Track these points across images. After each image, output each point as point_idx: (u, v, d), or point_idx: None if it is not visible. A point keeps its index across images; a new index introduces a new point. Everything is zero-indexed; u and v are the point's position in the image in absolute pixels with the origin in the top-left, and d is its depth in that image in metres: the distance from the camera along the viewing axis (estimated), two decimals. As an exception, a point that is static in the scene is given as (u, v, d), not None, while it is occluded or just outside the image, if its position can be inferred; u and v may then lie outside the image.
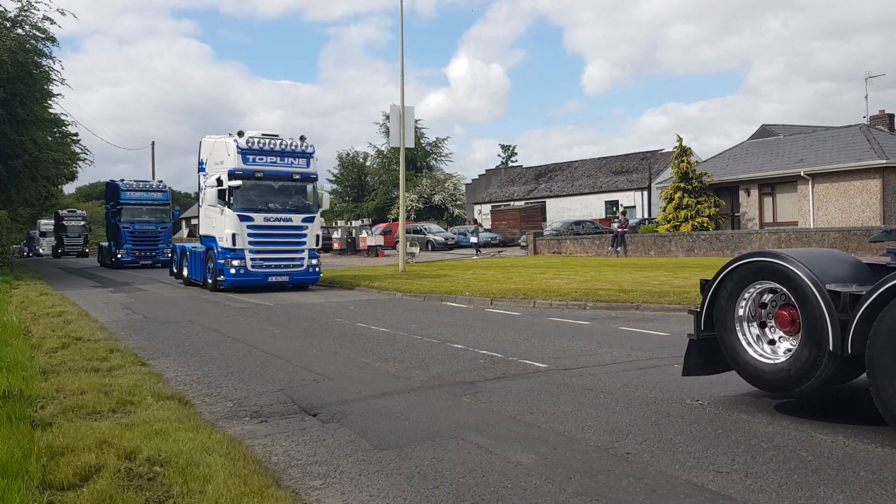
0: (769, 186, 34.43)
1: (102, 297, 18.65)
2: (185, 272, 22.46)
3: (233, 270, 18.41)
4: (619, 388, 6.95)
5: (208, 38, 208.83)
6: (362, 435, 5.55)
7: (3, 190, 29.46)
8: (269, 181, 18.96)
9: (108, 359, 8.43)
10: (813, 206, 32.24)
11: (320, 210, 20.17)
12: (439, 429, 5.67)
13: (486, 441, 5.30)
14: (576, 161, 61.79)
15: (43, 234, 69.18)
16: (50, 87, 29.80)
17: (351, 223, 50.79)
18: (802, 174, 32.24)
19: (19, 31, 26.58)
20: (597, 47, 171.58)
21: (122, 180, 35.46)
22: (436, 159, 67.93)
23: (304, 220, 19.31)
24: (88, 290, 20.92)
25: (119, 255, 34.06)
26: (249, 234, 18.52)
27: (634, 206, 48.81)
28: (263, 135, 19.16)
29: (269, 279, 18.83)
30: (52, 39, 27.59)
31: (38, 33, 27.07)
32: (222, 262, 18.62)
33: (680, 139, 36.29)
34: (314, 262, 19.55)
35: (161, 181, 36.62)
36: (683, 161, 35.55)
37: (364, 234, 41.38)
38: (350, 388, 7.22)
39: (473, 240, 37.89)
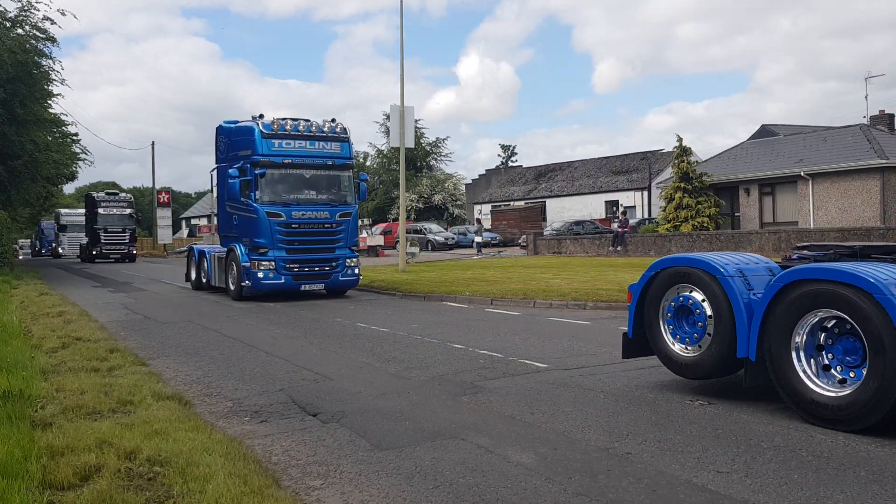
0: (769, 186, 34.43)
1: (102, 297, 18.64)
2: None
3: None
4: (619, 388, 6.95)
5: (217, 38, 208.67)
6: (362, 435, 5.55)
7: (2, 190, 29.43)
8: None
9: (108, 359, 8.43)
10: (813, 206, 32.25)
11: None
12: (439, 429, 5.67)
13: (487, 441, 5.30)
14: (576, 161, 61.84)
15: (63, 229, 53.59)
16: (50, 88, 29.80)
17: (351, 223, 50.71)
18: (802, 174, 32.26)
19: (19, 31, 26.58)
20: (605, 46, 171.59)
21: (260, 116, 16.89)
22: (436, 159, 67.93)
23: None
24: (88, 290, 20.91)
25: (259, 273, 15.99)
26: None
27: (634, 206, 48.82)
28: None
29: None
30: (53, 40, 27.60)
31: (38, 33, 27.07)
32: None
33: (680, 139, 36.31)
34: None
35: (333, 120, 17.44)
36: (683, 161, 35.56)
37: (364, 234, 41.37)
38: (350, 387, 7.22)
39: (478, 239, 37.51)
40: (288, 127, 16.47)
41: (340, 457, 5.05)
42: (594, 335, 10.38)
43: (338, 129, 17.11)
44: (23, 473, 4.28)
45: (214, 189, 19.53)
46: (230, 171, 16.37)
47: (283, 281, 16.12)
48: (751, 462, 4.74)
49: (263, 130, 16.25)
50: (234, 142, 17.44)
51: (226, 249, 17.46)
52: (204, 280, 19.41)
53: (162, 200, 56.79)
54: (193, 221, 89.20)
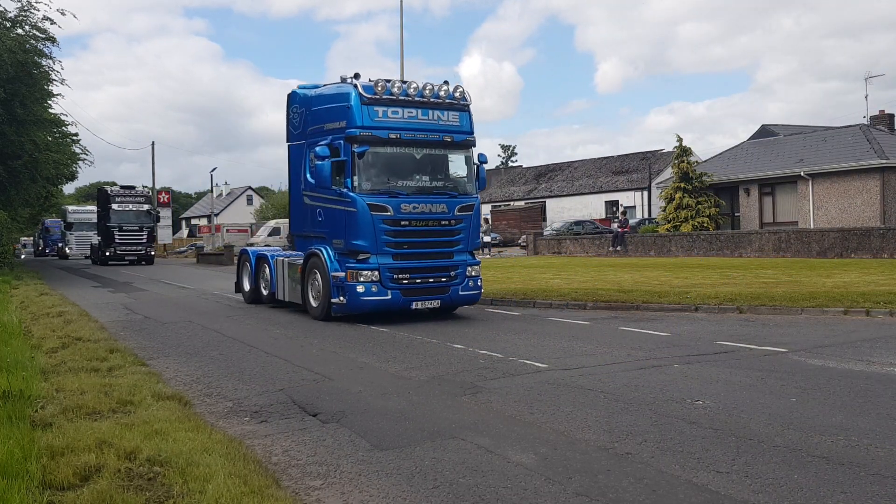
0: (769, 186, 34.44)
1: (102, 297, 18.64)
2: None
3: None
4: (619, 388, 6.95)
5: (219, 38, 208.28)
6: (362, 435, 5.55)
7: (2, 191, 29.42)
8: None
9: (108, 359, 8.43)
10: (813, 206, 32.26)
11: None
12: (439, 429, 5.67)
13: (486, 441, 5.30)
14: (576, 161, 61.90)
15: (70, 227, 50.32)
16: (50, 88, 29.81)
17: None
18: (802, 174, 32.27)
19: (19, 31, 26.59)
20: (607, 46, 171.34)
21: (355, 75, 12.43)
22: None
23: None
24: (88, 290, 20.91)
25: (358, 286, 11.96)
26: None
27: (634, 206, 48.85)
28: None
29: None
30: (53, 39, 27.61)
31: (38, 33, 27.09)
32: None
33: (680, 139, 36.34)
34: None
35: (446, 82, 13.07)
36: (683, 161, 35.58)
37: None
38: (350, 388, 7.22)
39: (486, 238, 37.16)
40: (395, 90, 12.20)
41: (340, 457, 5.05)
42: (594, 335, 10.38)
43: (456, 95, 12.85)
44: (23, 473, 4.28)
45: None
46: (317, 149, 12.34)
47: (389, 297, 12.03)
48: (751, 462, 4.74)
49: (364, 94, 11.99)
50: (316, 112, 13.26)
51: (304, 254, 13.40)
52: (265, 292, 15.13)
53: (162, 200, 56.81)
54: (193, 221, 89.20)
